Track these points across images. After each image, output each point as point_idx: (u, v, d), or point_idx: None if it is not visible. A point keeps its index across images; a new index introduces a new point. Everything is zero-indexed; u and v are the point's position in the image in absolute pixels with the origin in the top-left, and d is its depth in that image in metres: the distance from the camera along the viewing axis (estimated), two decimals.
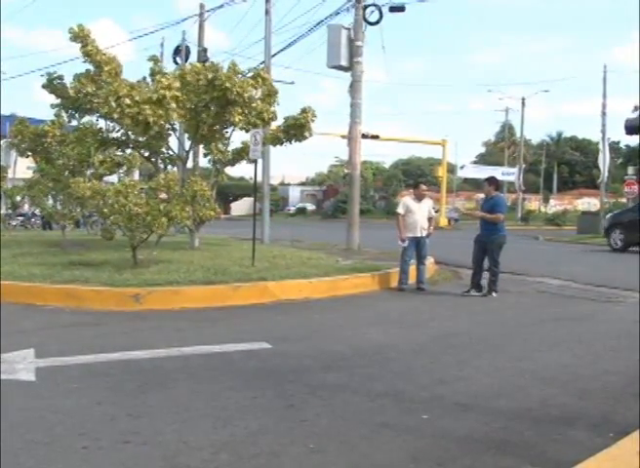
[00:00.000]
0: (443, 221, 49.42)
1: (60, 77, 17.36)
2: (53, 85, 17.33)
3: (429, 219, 12.85)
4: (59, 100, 17.58)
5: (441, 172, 54.56)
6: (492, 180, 12.47)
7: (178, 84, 14.30)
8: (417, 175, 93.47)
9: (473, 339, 8.19)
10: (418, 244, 12.64)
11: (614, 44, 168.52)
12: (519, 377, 6.34)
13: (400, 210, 12.81)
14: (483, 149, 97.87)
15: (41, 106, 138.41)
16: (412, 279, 12.75)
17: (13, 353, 6.80)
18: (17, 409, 5.16)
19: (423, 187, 13.17)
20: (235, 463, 4.14)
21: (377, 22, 19.97)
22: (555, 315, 10.18)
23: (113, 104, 13.94)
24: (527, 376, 6.35)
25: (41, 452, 4.28)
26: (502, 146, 77.29)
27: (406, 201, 13.00)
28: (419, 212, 12.64)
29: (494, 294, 11.73)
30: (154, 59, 15.25)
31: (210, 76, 14.54)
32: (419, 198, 12.84)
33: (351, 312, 10.07)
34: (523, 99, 61.91)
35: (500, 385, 6.02)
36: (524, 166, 63.10)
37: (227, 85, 14.25)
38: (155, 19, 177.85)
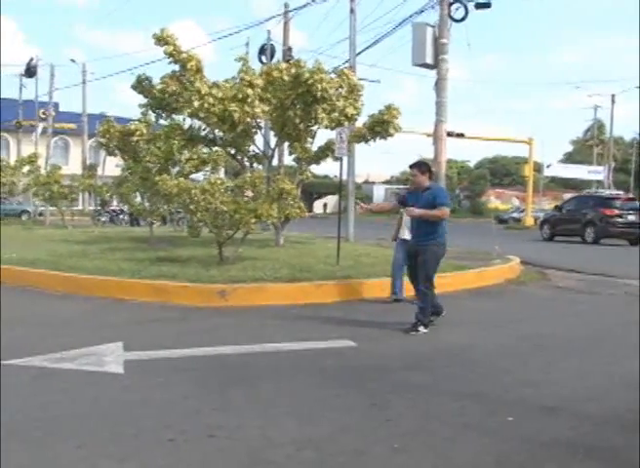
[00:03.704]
0: (529, 221, 48.71)
1: (149, 78, 17.75)
2: (141, 85, 17.72)
3: None
4: (146, 101, 17.97)
5: (527, 171, 53.65)
6: (423, 166, 8.94)
7: (260, 81, 14.48)
8: (502, 175, 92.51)
9: (560, 341, 8.03)
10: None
11: None
12: (607, 381, 6.18)
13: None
14: (570, 148, 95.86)
15: (129, 107, 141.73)
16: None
17: (102, 346, 6.97)
18: (106, 400, 5.30)
19: None
20: (319, 460, 4.15)
21: (462, 19, 19.74)
22: None
23: (196, 104, 14.20)
24: (615, 381, 6.19)
25: (129, 443, 4.37)
26: (591, 144, 75.57)
27: None
28: None
29: (422, 330, 8.27)
30: (243, 59, 15.41)
31: (293, 71, 14.69)
32: None
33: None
34: (613, 96, 60.41)
35: (587, 389, 5.88)
36: (613, 164, 61.54)
37: (312, 80, 14.33)
38: (234, 21, 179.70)
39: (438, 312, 8.79)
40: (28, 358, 6.40)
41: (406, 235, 10.25)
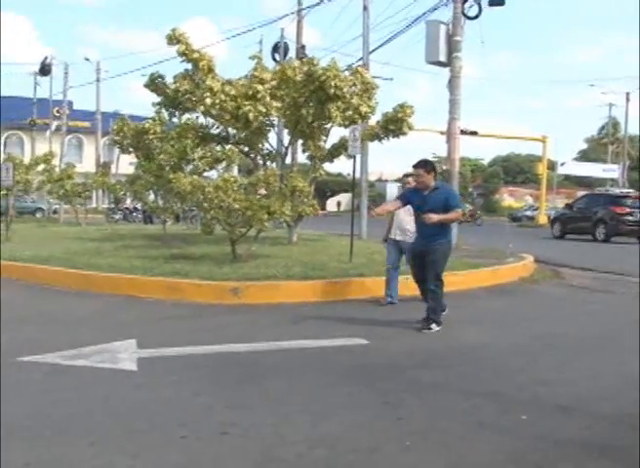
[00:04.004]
0: (542, 219, 48.57)
1: (162, 76, 17.82)
2: (154, 84, 17.79)
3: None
4: (160, 99, 18.03)
5: (541, 169, 53.49)
6: (428, 166, 8.56)
7: (269, 76, 14.49)
8: (516, 173, 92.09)
9: (573, 341, 7.99)
10: (401, 250, 10.09)
11: None
12: (620, 381, 6.15)
13: None
14: (585, 146, 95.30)
15: (142, 105, 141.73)
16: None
17: (116, 343, 7.00)
18: (120, 397, 5.31)
19: (408, 180, 9.65)
20: (330, 458, 4.15)
21: (476, 17, 19.61)
22: None
23: (208, 101, 14.23)
24: (628, 380, 6.14)
25: (141, 440, 4.38)
26: (606, 142, 75.15)
27: None
28: (401, 210, 9.57)
29: (434, 328, 8.25)
30: (257, 57, 15.45)
31: (305, 68, 14.70)
32: None
33: (449, 310, 9.95)
34: (627, 94, 60.06)
35: (601, 388, 5.86)
36: (628, 163, 61.21)
37: (325, 77, 14.31)
38: (248, 19, 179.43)
39: (441, 309, 8.71)
40: (42, 355, 6.44)
41: (398, 235, 10.08)
